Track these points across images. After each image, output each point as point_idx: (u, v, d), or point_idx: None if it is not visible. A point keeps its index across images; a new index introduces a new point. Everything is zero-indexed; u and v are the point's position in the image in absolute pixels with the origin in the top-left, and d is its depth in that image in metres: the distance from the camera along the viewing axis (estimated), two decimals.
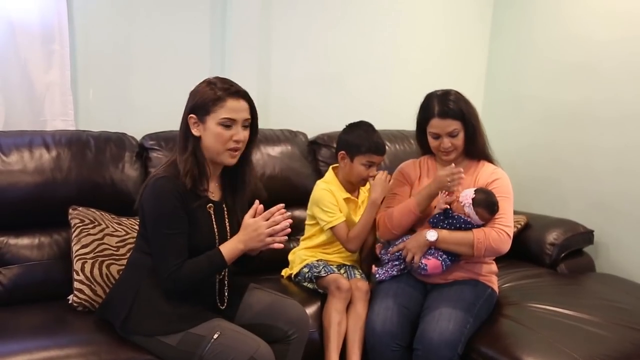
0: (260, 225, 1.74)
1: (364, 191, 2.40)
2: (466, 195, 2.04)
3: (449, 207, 2.09)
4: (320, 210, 2.30)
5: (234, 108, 1.77)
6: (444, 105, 2.08)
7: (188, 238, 1.76)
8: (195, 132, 1.79)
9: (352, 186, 2.39)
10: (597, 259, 2.85)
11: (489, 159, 2.21)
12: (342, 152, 2.33)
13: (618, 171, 2.84)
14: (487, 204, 2.04)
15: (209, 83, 1.80)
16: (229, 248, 1.77)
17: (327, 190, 2.32)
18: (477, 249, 2.02)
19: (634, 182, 2.77)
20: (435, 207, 2.11)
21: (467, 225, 2.05)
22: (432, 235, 2.05)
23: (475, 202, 2.02)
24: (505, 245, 2.05)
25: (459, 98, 2.11)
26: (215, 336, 1.68)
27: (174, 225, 1.74)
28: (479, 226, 2.06)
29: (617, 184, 2.85)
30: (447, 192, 2.08)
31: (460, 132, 2.10)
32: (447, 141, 2.10)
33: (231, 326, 1.75)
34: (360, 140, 2.28)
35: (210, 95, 1.76)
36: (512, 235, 2.06)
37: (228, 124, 1.77)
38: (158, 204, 1.74)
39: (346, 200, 2.36)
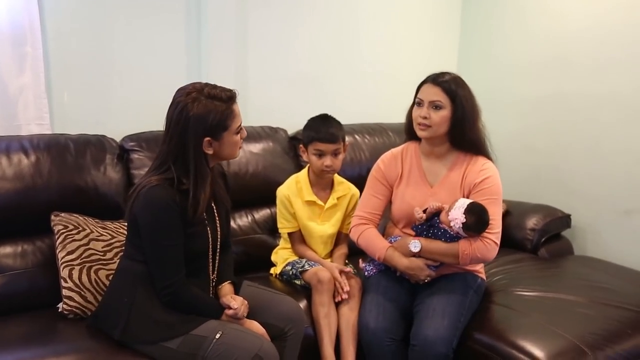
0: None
1: (334, 197, 2.37)
2: (457, 219, 1.93)
3: (436, 217, 2.03)
4: (278, 214, 2.36)
5: (239, 112, 1.78)
6: (439, 76, 2.04)
7: (184, 246, 1.74)
8: (209, 151, 1.75)
9: (322, 184, 2.37)
10: (575, 241, 2.93)
11: (483, 153, 2.09)
12: (301, 145, 2.35)
13: (591, 158, 2.92)
14: (478, 227, 1.95)
15: (204, 95, 1.69)
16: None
17: (285, 198, 2.32)
18: (462, 258, 1.98)
19: (606, 168, 2.86)
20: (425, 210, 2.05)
21: (453, 240, 2.00)
22: (415, 246, 2.01)
23: (465, 227, 1.93)
24: (491, 254, 1.99)
25: (458, 79, 2.05)
26: (217, 336, 1.66)
27: (172, 236, 1.71)
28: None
29: (590, 170, 2.93)
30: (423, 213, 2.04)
31: (445, 110, 1.99)
32: (427, 110, 2.00)
33: (232, 325, 1.74)
34: (309, 131, 2.29)
35: (222, 110, 1.71)
36: (499, 242, 1.99)
37: (241, 128, 1.80)
38: (155, 215, 1.71)
39: (309, 202, 2.33)
